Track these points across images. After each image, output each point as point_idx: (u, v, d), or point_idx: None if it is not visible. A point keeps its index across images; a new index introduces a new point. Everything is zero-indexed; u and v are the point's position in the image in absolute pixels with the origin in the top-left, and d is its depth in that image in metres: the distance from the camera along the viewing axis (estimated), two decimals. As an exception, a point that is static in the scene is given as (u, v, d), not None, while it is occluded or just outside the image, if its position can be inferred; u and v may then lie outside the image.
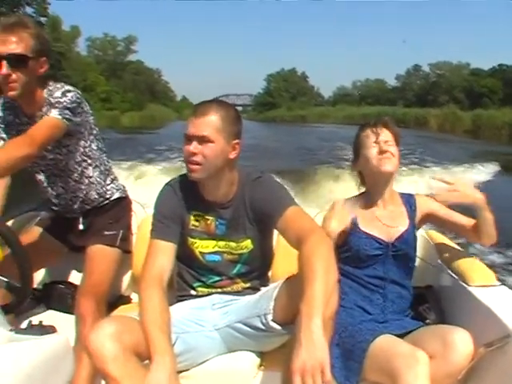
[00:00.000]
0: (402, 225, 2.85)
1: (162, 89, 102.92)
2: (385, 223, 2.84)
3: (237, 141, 2.44)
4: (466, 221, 2.88)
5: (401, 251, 2.81)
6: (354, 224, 2.84)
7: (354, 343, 2.54)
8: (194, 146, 2.34)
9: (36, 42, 2.63)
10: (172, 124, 56.02)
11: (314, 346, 1.78)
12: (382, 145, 2.76)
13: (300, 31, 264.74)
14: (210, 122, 2.34)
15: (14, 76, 2.61)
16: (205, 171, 2.39)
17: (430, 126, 54.84)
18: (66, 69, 53.42)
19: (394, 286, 2.80)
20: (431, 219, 2.97)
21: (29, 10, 49.03)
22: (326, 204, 3.21)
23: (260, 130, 42.16)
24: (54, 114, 2.67)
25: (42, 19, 49.32)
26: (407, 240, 2.83)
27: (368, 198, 2.91)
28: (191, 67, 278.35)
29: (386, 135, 2.80)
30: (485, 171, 16.69)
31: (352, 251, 2.80)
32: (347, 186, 10.89)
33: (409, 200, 2.94)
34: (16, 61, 2.58)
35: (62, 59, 51.49)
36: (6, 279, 2.46)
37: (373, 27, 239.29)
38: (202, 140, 2.34)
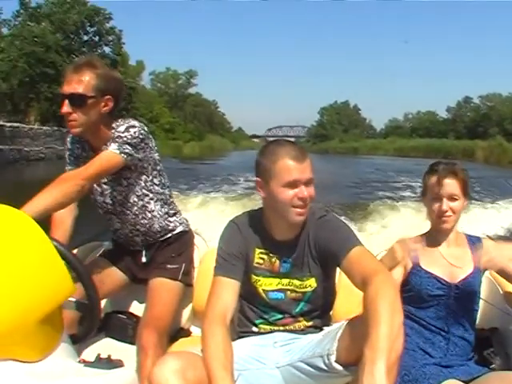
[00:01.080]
0: (468, 267, 2.76)
1: (219, 120, 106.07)
2: (448, 262, 2.76)
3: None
4: None
5: (464, 293, 2.72)
6: (416, 263, 2.77)
7: None
8: (306, 190, 2.35)
9: (100, 82, 2.72)
10: (230, 154, 58.65)
11: None
12: (443, 204, 2.71)
13: (351, 66, 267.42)
14: (311, 164, 2.40)
15: (74, 115, 2.71)
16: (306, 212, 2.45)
17: (477, 158, 55.89)
18: (135, 102, 56.07)
19: (458, 328, 2.72)
20: (495, 265, 2.78)
21: (107, 49, 52.78)
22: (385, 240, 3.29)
23: (315, 160, 43.89)
24: (113, 148, 2.73)
25: (118, 57, 52.18)
26: (472, 283, 2.74)
27: (432, 238, 2.85)
28: (245, 99, 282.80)
29: (452, 187, 2.72)
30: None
31: (414, 291, 2.74)
32: (405, 221, 11.06)
33: (475, 243, 2.85)
34: (76, 100, 2.68)
35: (132, 93, 53.60)
36: (78, 311, 2.45)
37: (422, 59, 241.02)
38: (309, 182, 2.38)
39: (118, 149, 2.72)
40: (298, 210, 2.37)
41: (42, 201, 2.38)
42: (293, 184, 2.34)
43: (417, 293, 2.74)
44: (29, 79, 42.76)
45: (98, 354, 2.47)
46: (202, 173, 24.67)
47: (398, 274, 2.75)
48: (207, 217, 10.26)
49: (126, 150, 2.75)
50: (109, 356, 2.46)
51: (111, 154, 2.71)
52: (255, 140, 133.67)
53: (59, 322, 2.23)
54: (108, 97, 2.76)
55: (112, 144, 2.73)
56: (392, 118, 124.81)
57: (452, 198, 2.71)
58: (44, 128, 39.18)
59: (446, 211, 2.70)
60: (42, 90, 42.93)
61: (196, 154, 58.50)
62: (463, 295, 2.72)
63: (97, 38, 52.39)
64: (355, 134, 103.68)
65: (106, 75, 2.77)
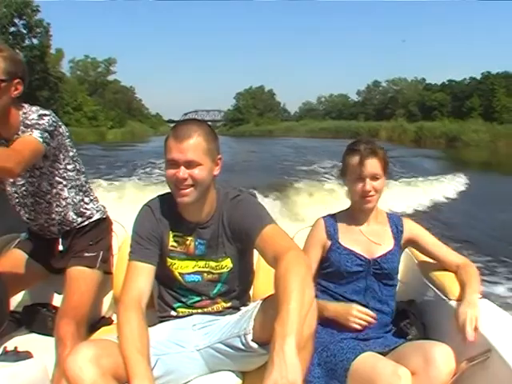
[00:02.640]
0: (387, 244, 2.81)
1: (137, 106, 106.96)
2: (368, 239, 2.79)
3: (219, 156, 2.41)
4: (453, 258, 2.83)
5: (383, 269, 2.75)
6: (335, 239, 2.80)
7: (336, 362, 2.49)
8: (183, 172, 2.28)
9: (9, 65, 2.59)
10: (150, 139, 60.47)
11: (286, 367, 1.74)
12: (366, 184, 2.71)
13: (267, 49, 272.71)
14: (196, 145, 2.30)
15: None
16: (196, 194, 2.35)
17: (381, 137, 61.51)
18: (62, 91, 58.06)
19: (376, 302, 2.75)
20: (416, 245, 2.92)
21: (35, 41, 54.19)
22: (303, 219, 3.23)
23: (231, 142, 47.21)
24: (36, 135, 2.60)
25: (47, 49, 54.02)
26: (390, 259, 2.78)
27: (352, 215, 2.86)
28: (162, 86, 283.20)
29: (374, 166, 2.72)
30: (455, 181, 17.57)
31: (333, 267, 2.77)
32: (323, 199, 11.66)
33: (396, 221, 2.90)
34: None
35: (59, 83, 56.13)
36: None
37: (336, 43, 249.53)
38: (190, 164, 2.28)
39: (41, 137, 2.61)
40: (179, 190, 2.33)
41: None
42: (172, 163, 2.31)
43: (336, 269, 2.76)
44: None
45: (4, 347, 2.43)
46: (122, 159, 24.79)
47: (317, 252, 2.80)
48: (126, 203, 10.21)
49: (47, 140, 2.65)
50: (15, 348, 2.43)
51: (37, 143, 2.59)
52: (171, 125, 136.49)
53: None
54: (18, 80, 2.66)
55: (34, 130, 2.61)
56: (306, 101, 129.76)
57: (374, 178, 2.72)
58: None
59: (370, 191, 2.70)
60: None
61: (118, 139, 60.03)
62: (382, 271, 2.75)
63: (25, 30, 53.94)
64: (270, 117, 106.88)
65: (14, 58, 2.67)
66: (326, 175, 17.75)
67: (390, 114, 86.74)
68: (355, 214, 2.87)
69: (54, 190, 2.91)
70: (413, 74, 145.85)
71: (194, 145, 2.29)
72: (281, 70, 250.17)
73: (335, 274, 2.78)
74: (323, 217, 2.94)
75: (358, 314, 2.67)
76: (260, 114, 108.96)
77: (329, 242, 2.83)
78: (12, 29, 53.56)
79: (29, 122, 2.67)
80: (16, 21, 53.80)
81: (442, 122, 68.01)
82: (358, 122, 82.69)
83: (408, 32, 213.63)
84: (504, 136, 56.92)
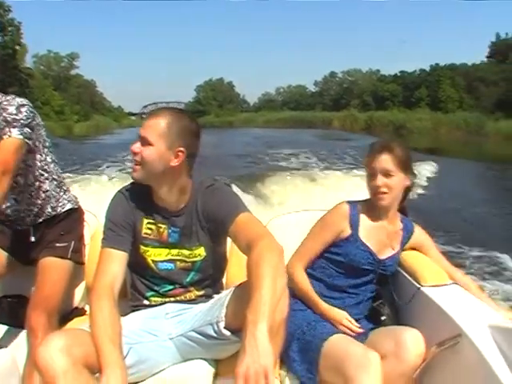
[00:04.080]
0: (396, 246, 2.83)
1: (99, 100, 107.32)
2: (383, 239, 2.79)
3: (181, 149, 2.32)
4: (450, 271, 2.87)
5: (386, 271, 2.80)
6: (355, 231, 2.75)
7: (314, 334, 2.54)
8: (136, 146, 2.30)
9: None
10: (114, 132, 63.01)
11: (258, 352, 1.75)
12: (377, 180, 2.67)
13: (223, 40, 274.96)
14: (155, 125, 2.31)
15: None
16: (142, 173, 2.33)
17: (334, 126, 66.79)
18: (32, 87, 59.49)
19: (365, 294, 2.81)
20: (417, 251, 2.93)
21: (7, 39, 55.68)
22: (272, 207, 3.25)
23: None
24: (15, 134, 2.54)
25: (18, 47, 55.73)
26: (395, 261, 2.82)
27: (373, 210, 2.78)
28: (121, 78, 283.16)
29: (386, 162, 2.66)
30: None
31: (345, 258, 2.74)
32: (296, 189, 11.74)
33: (408, 226, 2.89)
34: None
35: (29, 79, 58.13)
36: None
37: (293, 33, 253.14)
38: (144, 141, 2.30)
39: (21, 134, 2.57)
40: (132, 165, 2.34)
41: None
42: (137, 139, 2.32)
43: (348, 262, 2.73)
44: None
45: None
46: (88, 152, 25.35)
47: (330, 236, 2.78)
48: (96, 193, 10.10)
49: (27, 134, 2.61)
50: None
51: (18, 142, 2.55)
52: (132, 117, 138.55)
53: None
54: None
55: (12, 130, 2.56)
56: (265, 92, 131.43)
57: (387, 174, 2.66)
58: None
59: (380, 187, 2.66)
60: None
61: (84, 133, 61.73)
62: (384, 273, 2.81)
63: None
64: (230, 108, 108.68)
65: None
66: (289, 162, 18.99)
67: (345, 104, 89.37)
68: (374, 210, 2.78)
69: (37, 183, 2.86)
70: (368, 65, 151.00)
71: (152, 124, 2.32)
72: (240, 61, 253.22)
73: (344, 265, 2.75)
74: (348, 202, 2.83)
75: (347, 324, 2.68)
76: (220, 106, 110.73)
77: (348, 232, 2.76)
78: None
79: (7, 117, 2.59)
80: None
81: (391, 111, 72.63)
82: (312, 113, 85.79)
83: (364, 24, 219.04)
84: (445, 124, 62.31)
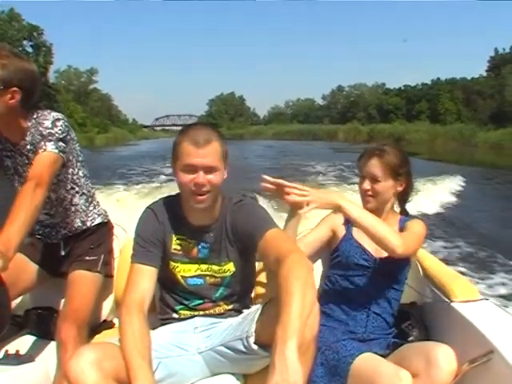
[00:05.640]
0: None
1: (115, 113, 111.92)
2: None
3: (227, 161, 2.34)
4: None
5: (387, 270, 2.74)
6: (349, 229, 2.81)
7: (339, 358, 2.47)
8: (202, 177, 2.27)
9: (5, 73, 2.51)
10: (136, 142, 65.50)
11: (287, 370, 1.73)
12: (364, 184, 2.75)
13: (236, 54, 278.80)
14: (215, 151, 2.30)
15: None
16: (212, 199, 2.35)
17: (338, 138, 73.29)
18: (59, 101, 63.96)
19: (379, 304, 2.76)
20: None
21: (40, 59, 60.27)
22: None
23: None
24: (51, 148, 2.55)
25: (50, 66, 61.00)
26: (395, 262, 2.72)
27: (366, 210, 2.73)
28: (134, 92, 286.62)
29: (374, 168, 2.72)
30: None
31: (342, 257, 2.78)
32: None
33: (404, 223, 2.84)
34: None
35: (57, 94, 62.24)
36: None
37: (303, 48, 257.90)
38: (209, 169, 2.27)
39: (56, 148, 2.58)
40: (196, 196, 2.31)
41: (21, 221, 2.35)
42: (190, 168, 2.27)
43: (344, 259, 2.78)
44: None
45: (6, 351, 2.38)
46: (113, 163, 25.97)
47: (324, 229, 2.90)
48: (128, 207, 10.43)
49: (62, 148, 2.61)
50: (17, 351, 2.39)
51: (53, 156, 2.56)
52: (145, 130, 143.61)
53: None
54: (14, 89, 2.57)
55: (47, 144, 2.56)
56: (274, 105, 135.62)
57: (374, 180, 2.71)
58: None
59: (367, 190, 2.72)
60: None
61: (104, 144, 65.79)
62: (386, 271, 2.74)
63: (32, 50, 61.71)
64: (241, 121, 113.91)
65: (13, 66, 2.57)
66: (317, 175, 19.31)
67: (351, 116, 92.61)
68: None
69: (69, 196, 2.89)
70: (373, 79, 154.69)
71: (213, 150, 2.28)
72: (251, 76, 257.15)
73: (343, 264, 2.78)
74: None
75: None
76: (231, 119, 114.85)
77: (343, 231, 2.84)
78: (19, 49, 58.03)
79: (43, 131, 2.61)
80: (24, 42, 61.73)
81: (392, 124, 76.79)
82: (319, 126, 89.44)
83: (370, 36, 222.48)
84: (442, 135, 67.26)
